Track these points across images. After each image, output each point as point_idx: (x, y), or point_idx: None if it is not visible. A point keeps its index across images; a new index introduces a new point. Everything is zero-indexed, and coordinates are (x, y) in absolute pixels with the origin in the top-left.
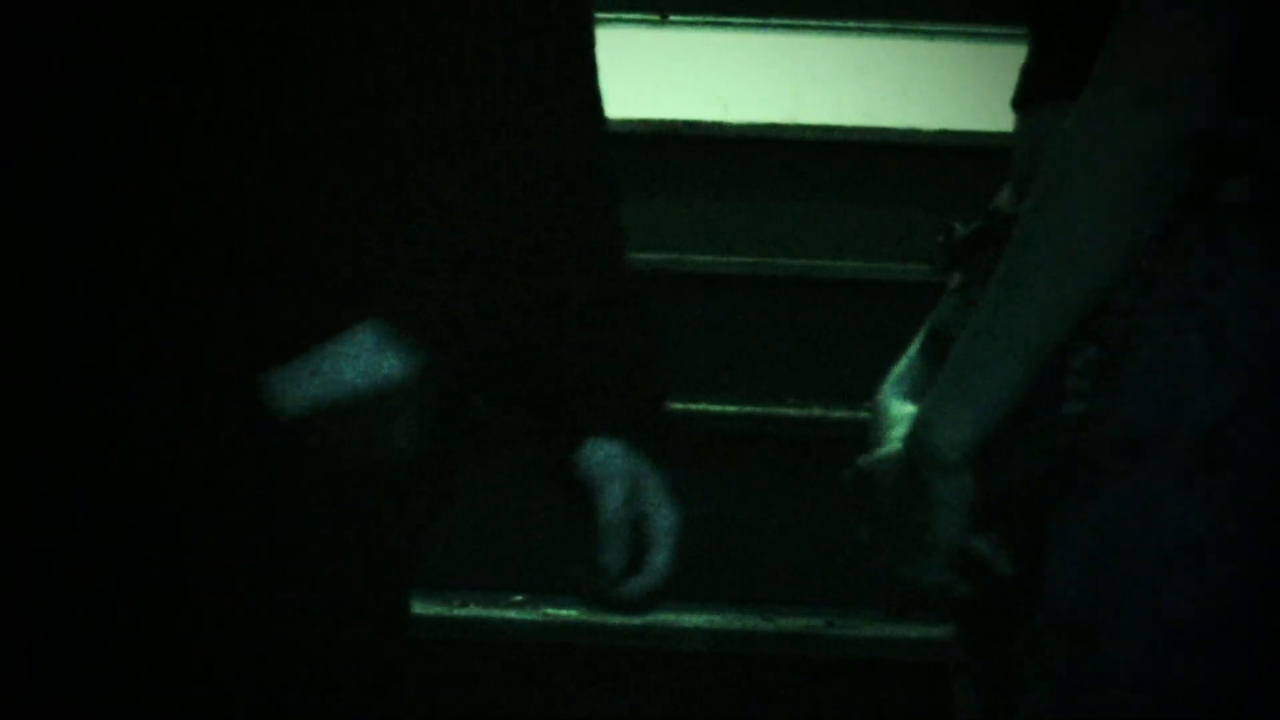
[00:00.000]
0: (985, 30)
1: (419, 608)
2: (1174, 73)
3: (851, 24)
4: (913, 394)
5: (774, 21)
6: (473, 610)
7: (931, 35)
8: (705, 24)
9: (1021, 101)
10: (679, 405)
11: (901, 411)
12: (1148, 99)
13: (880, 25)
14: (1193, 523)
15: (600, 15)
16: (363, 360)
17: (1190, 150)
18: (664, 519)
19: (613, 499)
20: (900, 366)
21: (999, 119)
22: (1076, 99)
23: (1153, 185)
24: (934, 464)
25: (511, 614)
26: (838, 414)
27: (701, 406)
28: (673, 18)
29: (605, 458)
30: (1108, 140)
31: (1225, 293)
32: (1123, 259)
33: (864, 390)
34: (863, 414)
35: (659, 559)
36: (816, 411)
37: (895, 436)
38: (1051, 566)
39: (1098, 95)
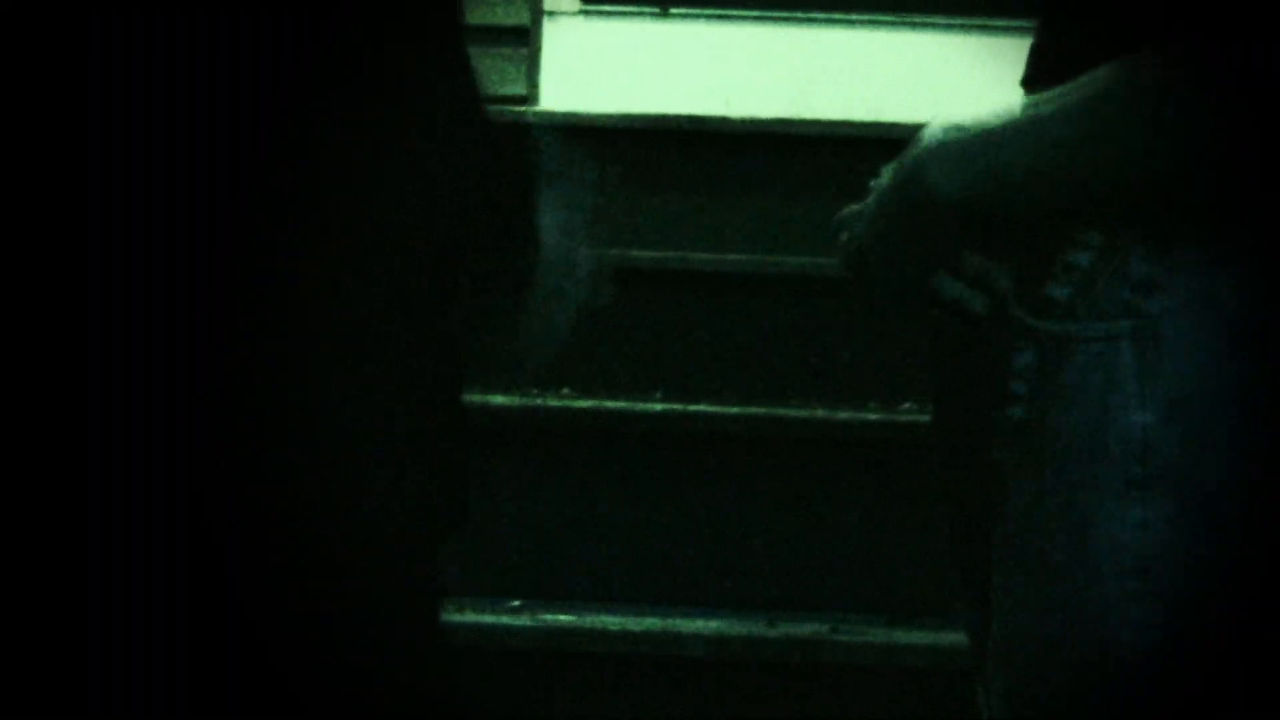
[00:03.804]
0: (994, 23)
1: None
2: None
3: (857, 16)
4: None
5: (777, 14)
6: (469, 616)
7: (939, 28)
8: (707, 16)
9: (1030, 81)
10: (679, 406)
11: None
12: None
13: (887, 18)
14: (1128, 545)
15: (601, 8)
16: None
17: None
18: None
19: None
20: None
21: None
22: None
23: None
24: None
25: (508, 620)
26: (841, 414)
27: (701, 407)
28: (674, 10)
29: None
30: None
31: (1161, 299)
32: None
33: (868, 390)
34: (867, 415)
35: None
36: (819, 412)
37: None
38: (994, 587)
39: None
